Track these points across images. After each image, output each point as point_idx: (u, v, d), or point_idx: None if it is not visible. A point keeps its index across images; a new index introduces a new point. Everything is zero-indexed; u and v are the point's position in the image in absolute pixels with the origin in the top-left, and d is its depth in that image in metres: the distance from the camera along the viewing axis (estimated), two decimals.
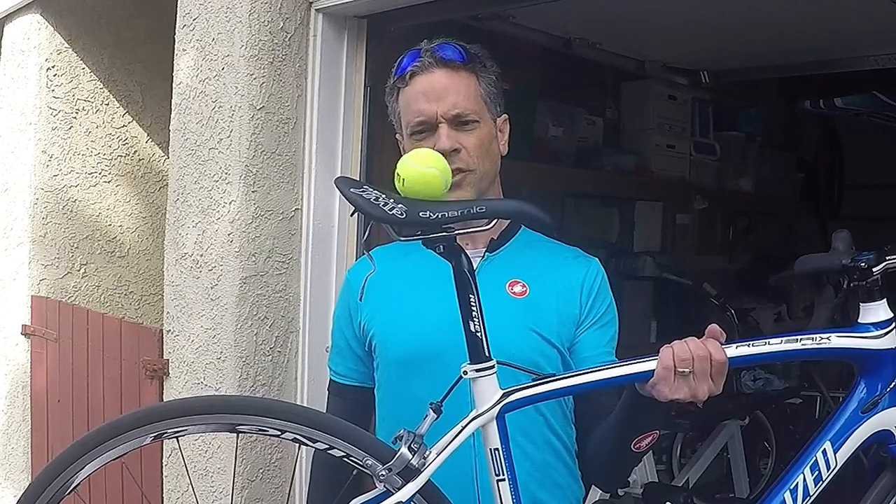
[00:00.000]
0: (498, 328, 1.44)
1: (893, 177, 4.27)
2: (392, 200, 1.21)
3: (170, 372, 2.48)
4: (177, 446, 2.01)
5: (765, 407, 3.64)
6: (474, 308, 1.25)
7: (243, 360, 2.26)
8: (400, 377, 1.52)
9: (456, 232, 1.23)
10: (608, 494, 2.45)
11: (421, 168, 1.23)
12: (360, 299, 1.58)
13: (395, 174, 1.24)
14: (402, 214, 1.20)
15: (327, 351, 2.34)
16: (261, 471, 2.29)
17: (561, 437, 1.52)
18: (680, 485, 3.17)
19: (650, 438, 1.45)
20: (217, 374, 2.30)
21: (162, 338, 2.54)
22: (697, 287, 3.50)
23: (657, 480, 3.05)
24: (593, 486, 1.89)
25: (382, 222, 1.24)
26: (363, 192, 1.22)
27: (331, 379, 1.66)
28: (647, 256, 3.65)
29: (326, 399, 1.68)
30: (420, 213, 1.20)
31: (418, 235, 1.23)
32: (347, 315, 1.62)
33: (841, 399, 3.62)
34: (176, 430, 1.22)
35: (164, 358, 2.51)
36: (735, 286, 4.08)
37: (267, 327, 2.29)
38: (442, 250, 1.25)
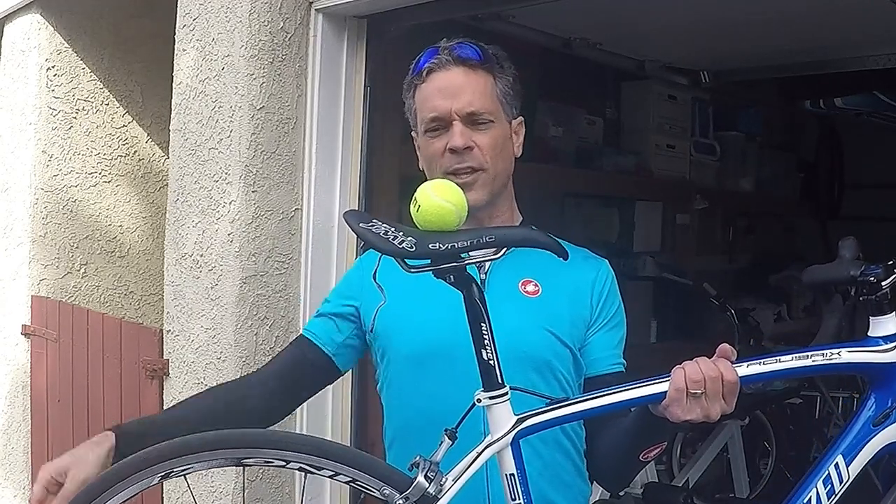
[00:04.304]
0: (512, 327, 1.45)
1: (893, 177, 4.28)
2: (401, 233, 1.22)
3: (170, 372, 2.48)
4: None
5: (765, 407, 3.64)
6: (486, 337, 1.26)
7: (243, 360, 2.26)
8: (412, 373, 1.52)
9: (466, 262, 1.24)
10: (609, 494, 2.45)
11: (439, 200, 1.24)
12: (371, 330, 1.59)
13: (413, 198, 1.25)
14: (411, 247, 1.21)
15: None
16: (261, 471, 2.29)
17: (571, 437, 1.53)
18: (680, 485, 3.17)
19: (658, 449, 1.47)
20: (217, 374, 2.30)
21: (162, 338, 2.54)
22: (697, 287, 3.50)
23: (657, 480, 3.05)
24: (596, 484, 1.90)
25: (392, 256, 1.25)
26: (372, 226, 1.23)
27: (302, 333, 1.64)
28: (647, 256, 3.65)
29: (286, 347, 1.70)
30: (430, 245, 1.21)
31: (429, 267, 1.24)
32: (356, 290, 1.61)
33: (841, 399, 3.62)
34: (182, 468, 1.24)
35: (164, 358, 2.51)
36: (735, 286, 4.08)
37: (267, 327, 2.29)
38: (453, 280, 1.25)
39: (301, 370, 1.59)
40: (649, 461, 1.49)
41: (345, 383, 2.37)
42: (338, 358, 1.59)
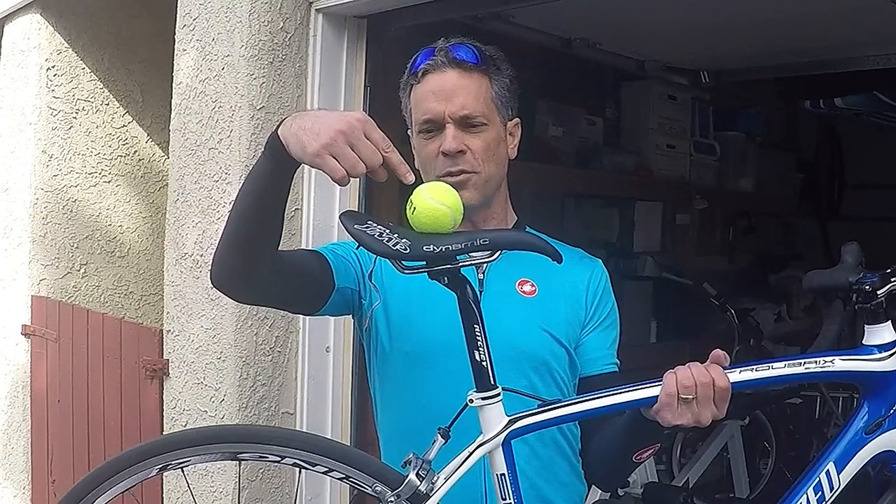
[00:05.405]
0: (510, 326, 1.46)
1: (893, 177, 4.28)
2: (396, 235, 1.22)
3: (170, 372, 2.48)
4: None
5: (765, 407, 3.64)
6: (479, 338, 1.27)
7: (243, 360, 2.26)
8: (411, 372, 1.52)
9: (460, 264, 1.24)
10: (608, 494, 2.45)
11: (434, 203, 1.24)
12: (366, 328, 1.58)
13: (409, 200, 1.26)
14: (405, 249, 1.21)
15: (327, 351, 2.36)
16: (261, 471, 2.29)
17: (567, 437, 1.54)
18: (680, 485, 3.17)
19: (651, 451, 1.48)
20: (217, 374, 2.30)
21: (162, 338, 2.54)
22: (697, 287, 3.50)
23: (657, 480, 3.05)
24: (593, 485, 1.91)
25: (387, 258, 1.25)
26: (367, 227, 1.24)
27: (319, 251, 1.57)
28: (647, 256, 3.65)
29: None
30: (424, 248, 1.22)
31: (423, 269, 1.24)
32: (356, 260, 1.56)
33: (841, 399, 3.61)
34: (180, 461, 1.25)
35: (164, 358, 2.51)
36: (735, 286, 4.08)
37: (267, 327, 2.29)
38: (447, 282, 1.26)
39: (308, 274, 1.50)
40: (643, 462, 1.50)
41: (345, 383, 2.37)
42: (336, 294, 1.52)
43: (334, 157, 1.23)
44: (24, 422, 3.40)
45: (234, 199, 1.41)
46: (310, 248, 2.28)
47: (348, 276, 1.54)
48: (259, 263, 1.37)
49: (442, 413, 1.30)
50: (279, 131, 1.29)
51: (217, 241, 1.42)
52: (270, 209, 1.36)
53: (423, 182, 1.36)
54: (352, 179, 1.26)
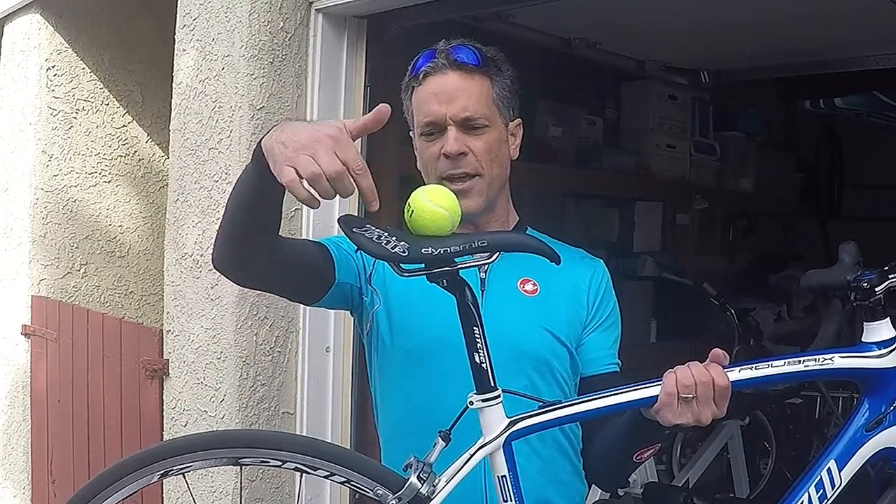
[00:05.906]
0: (512, 325, 1.46)
1: (893, 177, 4.28)
2: (394, 238, 1.22)
3: (170, 372, 2.48)
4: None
5: (765, 407, 3.64)
6: (479, 340, 1.27)
7: (243, 360, 2.26)
8: (412, 372, 1.52)
9: (458, 267, 1.24)
10: (608, 494, 2.45)
11: (431, 205, 1.24)
12: (367, 332, 1.58)
13: (407, 204, 1.26)
14: (404, 252, 1.21)
15: (327, 351, 2.36)
16: (261, 471, 2.29)
17: (569, 436, 1.54)
18: (680, 485, 3.17)
19: (651, 451, 1.48)
20: (217, 374, 2.30)
21: (162, 338, 2.54)
22: (697, 287, 3.50)
23: (657, 480, 3.05)
24: (594, 485, 1.91)
25: (385, 261, 1.25)
26: (365, 231, 1.24)
27: (322, 242, 1.56)
28: (647, 256, 3.65)
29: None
30: (422, 250, 1.22)
31: (421, 271, 1.24)
32: (359, 258, 1.56)
33: (841, 399, 3.61)
34: (181, 466, 1.26)
35: (164, 358, 2.51)
36: (735, 286, 4.08)
37: (267, 327, 2.29)
38: (445, 284, 1.26)
39: (310, 265, 1.50)
40: (643, 462, 1.50)
41: (345, 383, 2.37)
42: (335, 288, 1.52)
43: (297, 172, 1.18)
44: (24, 422, 3.40)
45: None
46: None
47: (350, 271, 1.54)
48: (256, 254, 1.38)
49: (442, 413, 1.31)
50: (262, 142, 1.28)
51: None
52: (264, 209, 1.38)
53: (423, 184, 1.36)
54: (323, 201, 1.20)
